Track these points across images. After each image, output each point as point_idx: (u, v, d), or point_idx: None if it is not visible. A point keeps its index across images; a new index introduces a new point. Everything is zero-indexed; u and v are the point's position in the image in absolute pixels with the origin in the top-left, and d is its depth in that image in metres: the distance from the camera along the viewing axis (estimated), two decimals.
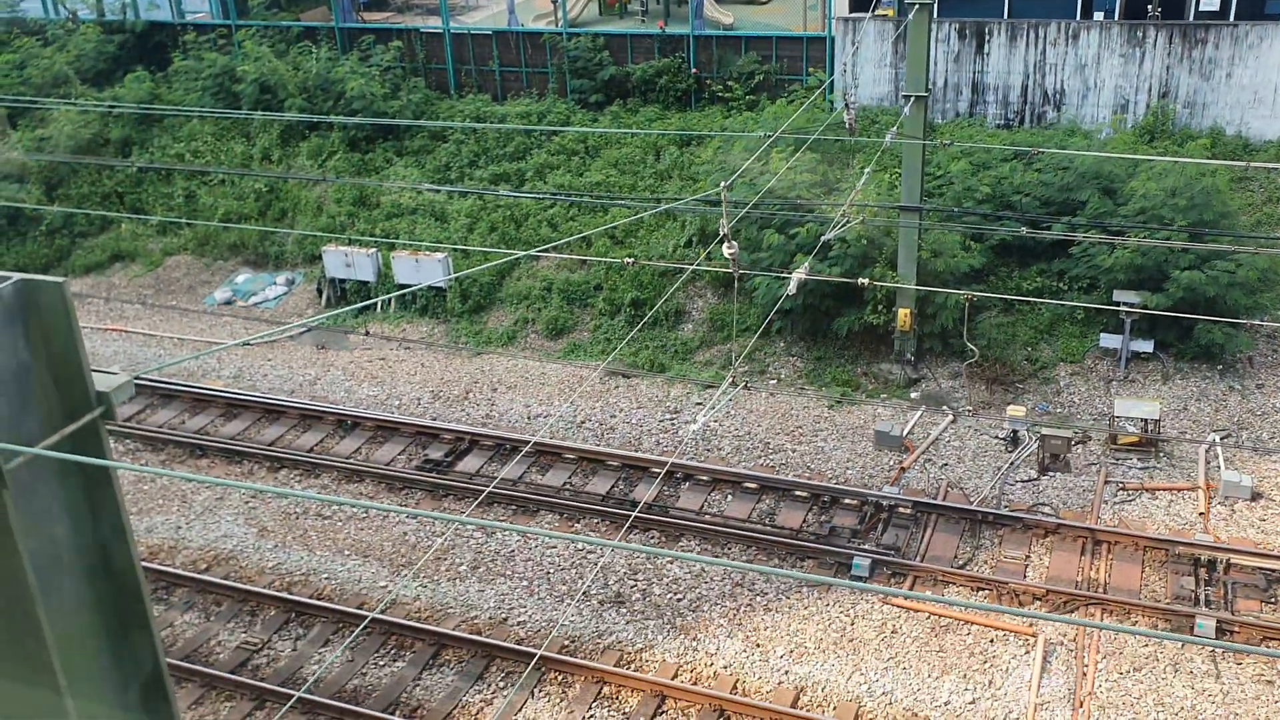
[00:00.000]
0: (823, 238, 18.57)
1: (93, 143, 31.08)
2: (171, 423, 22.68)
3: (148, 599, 5.08)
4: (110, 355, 25.69)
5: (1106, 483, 19.04)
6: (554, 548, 18.29)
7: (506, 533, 18.88)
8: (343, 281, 26.83)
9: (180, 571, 18.19)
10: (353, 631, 16.55)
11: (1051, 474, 19.30)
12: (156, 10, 35.42)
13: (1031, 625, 16.03)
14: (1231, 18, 25.80)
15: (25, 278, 4.40)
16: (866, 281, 16.79)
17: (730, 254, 13.35)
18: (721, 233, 12.89)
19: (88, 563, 4.86)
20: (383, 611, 17.03)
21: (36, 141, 30.63)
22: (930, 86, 26.21)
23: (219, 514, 19.82)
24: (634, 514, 17.07)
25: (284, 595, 17.51)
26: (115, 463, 4.59)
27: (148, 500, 20.29)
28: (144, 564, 18.20)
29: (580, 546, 18.27)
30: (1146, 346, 21.54)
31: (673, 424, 21.62)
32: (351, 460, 20.88)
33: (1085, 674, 15.24)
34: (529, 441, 20.21)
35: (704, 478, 19.75)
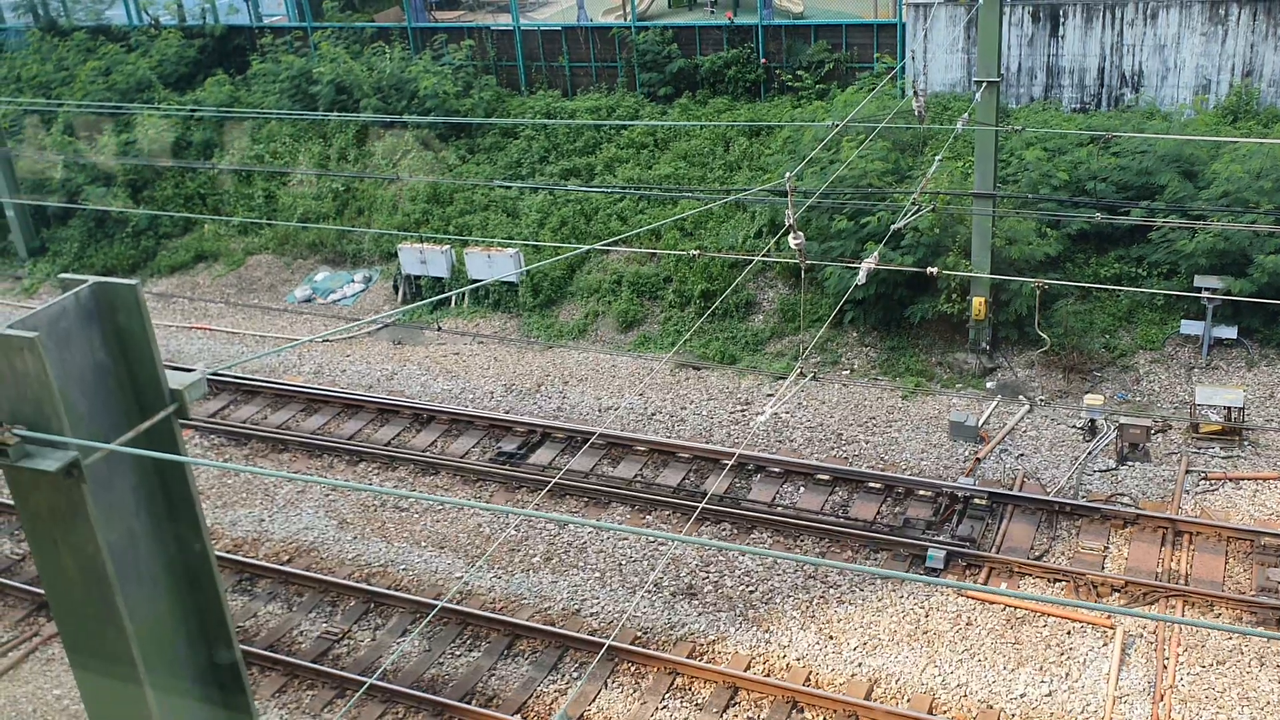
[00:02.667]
0: (893, 226, 18.40)
1: (176, 146, 31.89)
2: (254, 418, 23.24)
3: (222, 588, 5.26)
4: (194, 353, 26.38)
5: (1188, 472, 18.63)
6: (626, 539, 18.42)
7: (578, 524, 19.06)
8: (418, 278, 27.23)
9: (264, 563, 18.65)
10: (431, 621, 16.85)
11: (1130, 463, 18.94)
12: (235, 14, 36.20)
13: (1110, 616, 15.77)
14: None
15: (101, 280, 4.58)
16: (936, 270, 16.61)
17: (796, 245, 13.32)
18: (787, 223, 12.87)
19: (164, 553, 5.05)
20: (459, 602, 17.30)
21: (122, 146, 31.52)
22: (1003, 71, 25.82)
23: (301, 507, 20.28)
24: (701, 505, 17.10)
25: (363, 586, 17.88)
26: (186, 458, 4.77)
27: (232, 494, 20.83)
28: (230, 556, 18.73)
29: (652, 538, 18.39)
30: (1230, 333, 21.01)
31: (744, 416, 21.61)
32: (427, 453, 21.22)
33: (1166, 666, 14.96)
34: (600, 433, 20.35)
35: (776, 469, 19.72)
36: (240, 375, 24.47)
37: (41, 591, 17.18)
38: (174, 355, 26.09)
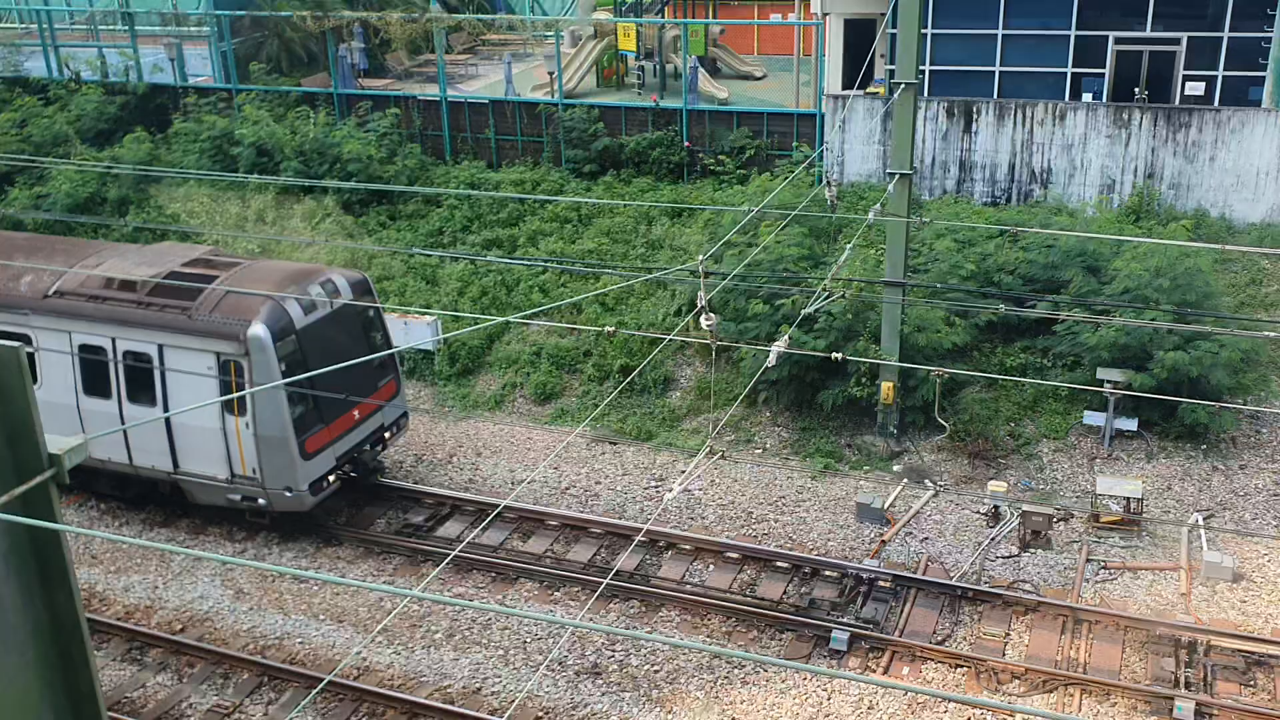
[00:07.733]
0: (804, 310, 18.71)
1: (90, 201, 31.33)
2: None
3: (93, 661, 5.08)
4: None
5: (1088, 561, 18.99)
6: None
7: (482, 600, 18.76)
8: None
9: (155, 632, 18.03)
10: (326, 697, 16.37)
11: (1033, 551, 19.26)
12: (159, 73, 35.93)
13: (1011, 701, 15.90)
14: (1215, 103, 26.28)
15: None
16: (841, 356, 16.92)
17: (708, 325, 13.47)
18: (699, 304, 13.02)
19: (33, 621, 4.87)
20: (355, 678, 16.86)
21: (34, 199, 30.88)
22: (917, 164, 26.61)
23: (196, 575, 19.70)
24: (606, 581, 16.98)
25: (257, 659, 17.35)
26: (61, 525, 4.63)
27: (126, 559, 20.17)
28: (120, 624, 18.07)
29: (558, 615, 18.17)
30: (1130, 425, 21.60)
31: (658, 492, 21.59)
32: (332, 524, 20.79)
33: None
34: (510, 506, 20.15)
35: (686, 546, 19.69)
36: None
37: None
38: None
